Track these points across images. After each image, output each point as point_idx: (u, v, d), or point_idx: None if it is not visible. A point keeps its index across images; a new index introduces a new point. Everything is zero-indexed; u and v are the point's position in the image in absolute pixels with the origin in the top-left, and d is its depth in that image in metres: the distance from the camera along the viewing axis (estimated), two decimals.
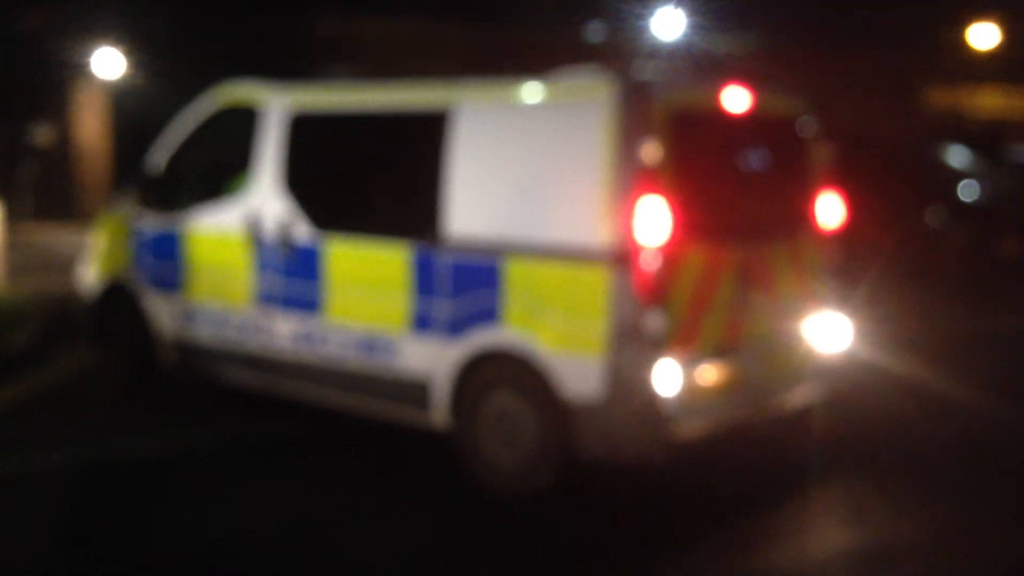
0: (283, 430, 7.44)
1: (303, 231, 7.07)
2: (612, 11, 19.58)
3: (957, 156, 16.31)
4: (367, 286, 6.78)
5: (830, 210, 6.91)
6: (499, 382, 6.25)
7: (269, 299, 7.26)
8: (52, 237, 17.54)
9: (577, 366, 5.86)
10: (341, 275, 6.92)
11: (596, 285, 5.78)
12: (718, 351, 6.06)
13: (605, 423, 5.82)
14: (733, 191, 6.36)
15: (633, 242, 5.69)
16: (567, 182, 5.95)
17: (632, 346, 5.71)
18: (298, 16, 20.15)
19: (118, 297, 8.25)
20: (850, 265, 7.20)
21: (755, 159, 6.60)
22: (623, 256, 5.70)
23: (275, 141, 7.28)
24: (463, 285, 6.32)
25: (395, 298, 6.60)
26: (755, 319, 6.30)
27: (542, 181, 6.05)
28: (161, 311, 7.91)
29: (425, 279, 6.47)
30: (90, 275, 8.55)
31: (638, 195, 5.67)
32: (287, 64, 18.65)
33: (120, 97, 19.99)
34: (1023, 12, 18.33)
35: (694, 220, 5.82)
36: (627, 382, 5.74)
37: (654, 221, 5.68)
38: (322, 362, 7.01)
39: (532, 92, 6.18)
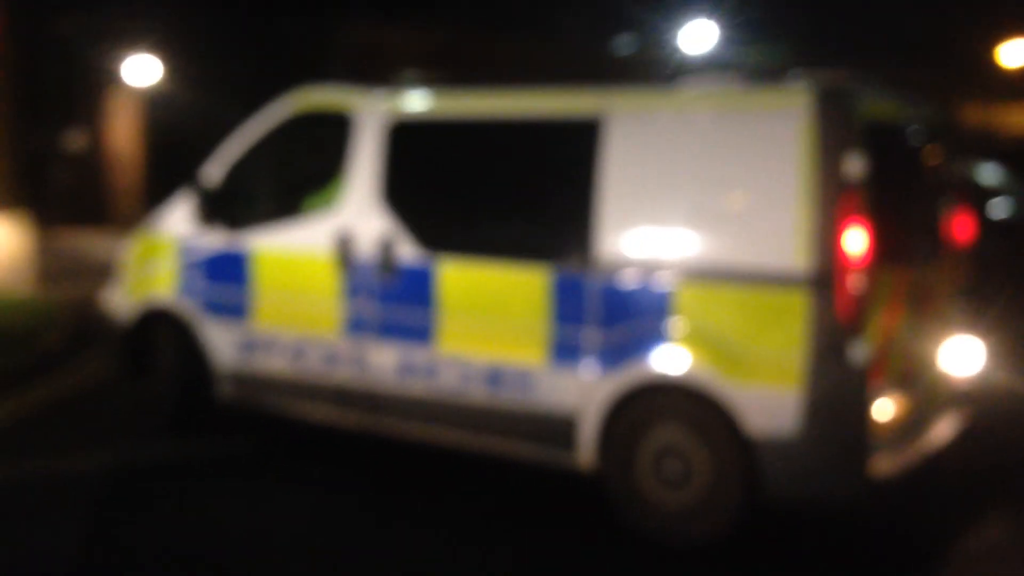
0: (383, 472, 6.82)
1: (408, 252, 6.42)
2: (642, 24, 19.62)
3: (989, 173, 16.19)
4: (492, 313, 6.17)
5: (962, 227, 6.51)
6: (664, 417, 5.71)
7: (361, 327, 6.61)
8: (84, 242, 17.65)
9: (766, 398, 5.38)
10: (458, 300, 6.28)
11: (792, 311, 5.31)
12: (899, 380, 5.67)
13: (800, 459, 5.35)
14: (902, 208, 5.92)
15: (837, 264, 5.23)
16: (753, 198, 5.47)
17: (834, 376, 5.27)
18: (324, 23, 20.27)
19: (160, 324, 7.49)
20: (982, 285, 6.84)
21: (912, 173, 6.22)
22: (826, 279, 5.24)
23: (372, 151, 6.63)
24: (620, 312, 5.76)
25: (529, 326, 6.02)
26: (919, 345, 5.97)
27: (721, 197, 5.55)
28: (219, 340, 7.17)
29: (569, 306, 5.90)
30: (122, 300, 7.74)
31: (843, 212, 5.22)
32: (315, 70, 18.81)
33: (153, 104, 20.14)
34: None
35: (881, 240, 5.39)
36: (829, 415, 5.29)
37: (858, 241, 5.24)
38: (433, 396, 6.39)
39: (706, 100, 5.71)
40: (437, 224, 6.53)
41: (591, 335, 5.84)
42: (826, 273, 5.25)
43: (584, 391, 5.84)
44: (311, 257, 6.81)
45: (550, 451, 6.03)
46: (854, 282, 5.23)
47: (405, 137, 6.57)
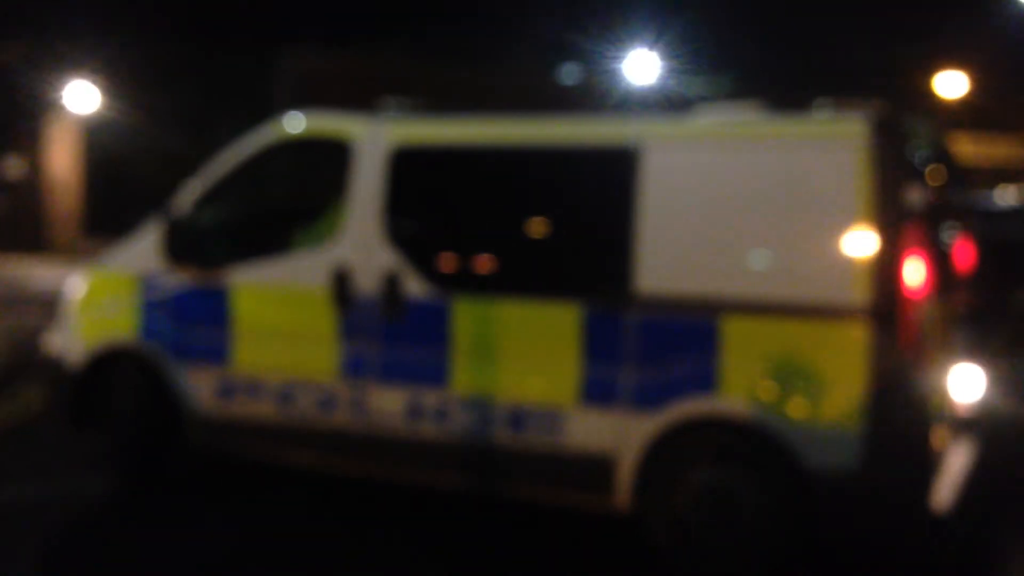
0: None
1: (417, 288, 6.03)
2: (586, 54, 19.79)
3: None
4: (515, 352, 5.85)
5: (962, 253, 6.45)
6: (711, 456, 5.51)
7: (361, 369, 6.19)
8: (22, 270, 17.35)
9: (824, 434, 5.21)
10: (475, 339, 5.97)
11: (851, 344, 5.15)
12: (941, 412, 5.59)
13: (862, 494, 5.19)
14: (934, 236, 5.82)
15: (900, 295, 5.14)
16: (805, 229, 5.32)
17: (897, 408, 5.16)
18: (267, 50, 20.21)
19: (119, 369, 6.86)
20: (979, 313, 6.78)
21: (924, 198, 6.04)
22: (887, 310, 5.12)
23: (375, 181, 6.20)
24: (660, 349, 5.53)
25: (559, 365, 5.72)
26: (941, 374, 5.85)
27: (769, 228, 5.40)
28: (193, 384, 6.60)
29: (603, 343, 5.63)
30: (71, 342, 6.99)
31: (904, 243, 5.15)
32: (258, 98, 18.69)
33: (93, 131, 19.94)
34: (989, 62, 18.68)
35: (931, 270, 5.35)
36: (892, 447, 5.17)
37: (919, 271, 5.19)
38: (446, 440, 6.02)
39: (753, 129, 5.58)
40: (450, 259, 6.14)
41: (629, 373, 5.57)
42: (888, 304, 5.12)
43: (621, 431, 5.59)
44: (302, 295, 6.37)
45: (582, 494, 5.78)
46: (916, 313, 5.17)
47: (413, 166, 6.19)
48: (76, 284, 7.25)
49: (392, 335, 6.09)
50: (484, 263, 6.07)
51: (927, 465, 5.20)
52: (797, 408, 5.26)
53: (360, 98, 17.28)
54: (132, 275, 6.80)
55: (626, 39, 19.51)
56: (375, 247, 6.13)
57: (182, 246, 6.61)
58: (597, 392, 5.65)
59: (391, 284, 6.05)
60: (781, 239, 5.36)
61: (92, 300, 7.02)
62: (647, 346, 5.55)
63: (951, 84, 19.21)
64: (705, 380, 5.42)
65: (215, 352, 6.55)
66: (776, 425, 5.28)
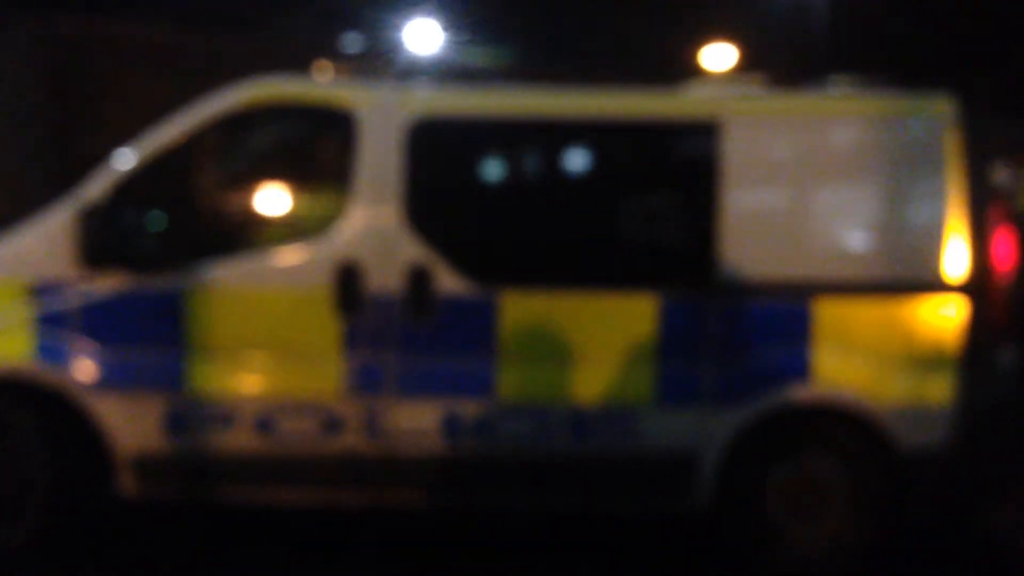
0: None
1: (451, 285, 5.32)
2: (367, 22, 19.55)
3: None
4: (576, 352, 5.35)
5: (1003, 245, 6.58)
6: (800, 446, 5.42)
7: (375, 383, 5.38)
8: None
9: (916, 413, 5.24)
10: (526, 340, 5.36)
11: (945, 321, 5.21)
12: None
13: (954, 474, 5.26)
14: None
15: (990, 271, 5.24)
16: (895, 208, 5.33)
17: (990, 383, 5.26)
18: (10, 11, 19.13)
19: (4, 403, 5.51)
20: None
21: None
22: (979, 287, 5.21)
23: (392, 159, 5.37)
24: (746, 338, 5.33)
25: (631, 363, 5.34)
26: None
27: (858, 208, 5.39)
28: (122, 417, 5.40)
29: (681, 336, 5.33)
30: None
31: (994, 219, 5.25)
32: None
33: None
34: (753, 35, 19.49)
35: (1018, 246, 5.49)
36: (985, 426, 5.26)
37: (1008, 246, 5.28)
38: (491, 456, 5.43)
39: (836, 107, 5.51)
40: (494, 249, 5.53)
41: (712, 365, 5.33)
42: (980, 280, 5.20)
43: (704, 428, 5.34)
44: (292, 298, 5.39)
45: (655, 499, 5.47)
46: (1006, 288, 5.26)
47: (442, 142, 5.49)
48: None
49: (417, 341, 5.37)
50: (537, 253, 5.53)
51: (1018, 440, 5.28)
52: (890, 389, 5.26)
53: (121, 71, 20.74)
54: (18, 283, 5.46)
55: (407, 8, 19.72)
56: (395, 238, 5.35)
57: (102, 244, 5.30)
58: (676, 389, 5.34)
59: (418, 280, 5.32)
60: (870, 218, 5.38)
61: None
62: (732, 336, 5.31)
63: (719, 58, 19.41)
64: (797, 367, 5.29)
65: (160, 375, 5.42)
66: (870, 408, 5.28)
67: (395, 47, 19.45)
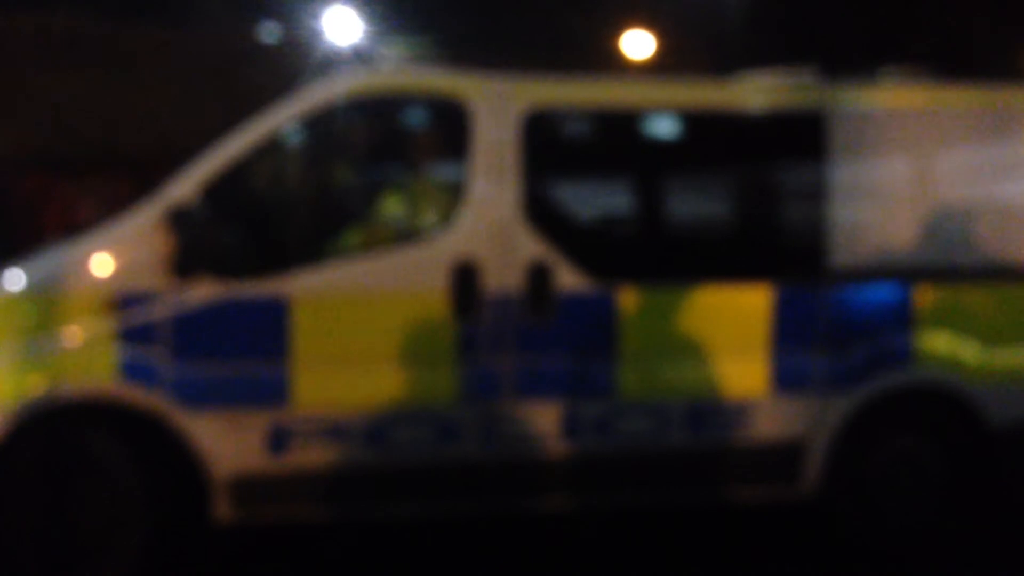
0: None
1: (571, 281, 5.22)
2: (284, 12, 19.26)
3: None
4: (694, 345, 5.38)
5: None
6: (902, 428, 5.68)
7: (492, 386, 5.23)
8: None
9: (1008, 389, 5.62)
10: (645, 336, 5.32)
11: None
12: None
13: None
14: None
15: None
16: (996, 197, 5.63)
17: None
18: None
19: (76, 428, 5.03)
20: None
21: None
22: None
23: (509, 153, 5.21)
24: (854, 325, 5.51)
25: (746, 353, 5.41)
26: None
27: (959, 197, 5.63)
28: (222, 437, 5.03)
29: (796, 325, 5.44)
30: None
31: None
32: None
33: None
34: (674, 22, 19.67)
35: None
36: None
37: None
38: (610, 453, 5.35)
39: (942, 97, 5.72)
40: (611, 243, 5.58)
41: (822, 352, 5.49)
42: None
43: (814, 414, 5.49)
44: (405, 302, 5.15)
45: (764, 487, 5.55)
46: None
47: (557, 134, 5.49)
48: None
49: (536, 340, 5.26)
50: (654, 247, 5.59)
51: None
52: (984, 368, 5.60)
53: (17, 62, 20.16)
54: (98, 296, 4.99)
55: None
56: (513, 234, 5.21)
57: (192, 249, 4.91)
58: (789, 377, 5.45)
59: (538, 278, 5.20)
60: (968, 206, 5.64)
61: (11, 334, 5.06)
62: (841, 324, 5.49)
63: (638, 46, 19.52)
64: (901, 352, 5.55)
65: (261, 390, 5.09)
66: (966, 388, 5.59)
67: (313, 37, 19.23)
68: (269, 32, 19.66)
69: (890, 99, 5.61)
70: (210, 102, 18.29)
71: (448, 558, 5.80)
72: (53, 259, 5.19)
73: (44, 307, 4.99)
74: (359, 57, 18.50)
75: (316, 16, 19.25)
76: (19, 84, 17.34)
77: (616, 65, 20.35)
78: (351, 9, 19.42)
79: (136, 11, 18.80)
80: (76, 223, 16.05)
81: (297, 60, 18.64)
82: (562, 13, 20.39)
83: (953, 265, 5.58)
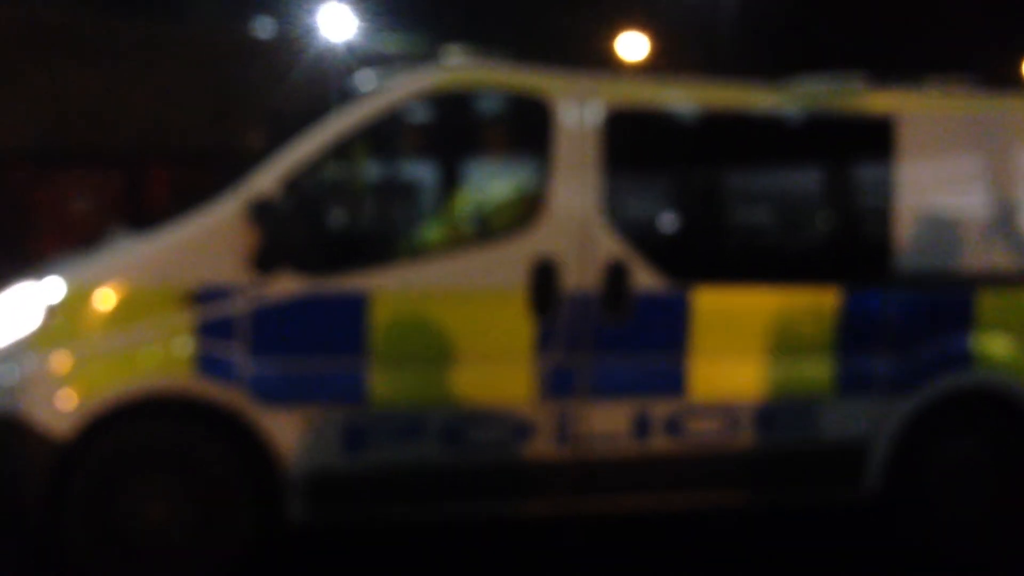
0: None
1: (647, 281, 5.18)
2: (279, 8, 19.27)
3: None
4: (763, 346, 5.36)
5: None
6: (961, 431, 5.68)
7: (567, 386, 5.15)
8: None
9: None
10: (717, 336, 5.30)
11: None
12: None
13: None
14: None
15: None
16: None
17: None
18: None
19: (148, 427, 4.90)
20: None
21: None
22: None
23: (590, 152, 5.18)
24: (917, 328, 5.53)
25: (815, 354, 5.43)
26: None
27: (1019, 203, 5.69)
28: (297, 435, 4.92)
29: (862, 327, 5.47)
30: (38, 395, 4.71)
31: None
32: None
33: None
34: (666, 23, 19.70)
35: None
36: None
37: None
38: (680, 454, 5.30)
39: (1003, 105, 5.83)
40: (686, 243, 5.57)
41: (886, 354, 5.50)
42: None
43: (877, 415, 5.49)
44: (485, 299, 5.10)
45: (828, 487, 5.57)
46: None
47: (635, 134, 5.35)
48: (31, 305, 4.88)
49: (611, 339, 5.20)
50: (728, 249, 5.66)
51: None
52: None
53: (11, 55, 19.99)
54: (176, 289, 4.86)
55: None
56: (593, 233, 5.16)
57: (274, 243, 4.82)
58: (854, 378, 5.47)
59: (615, 277, 5.15)
60: None
61: (85, 328, 4.85)
62: (905, 326, 5.51)
63: (632, 48, 19.54)
64: (962, 355, 5.58)
65: (340, 387, 5.01)
66: (1020, 390, 5.61)
67: (307, 32, 19.23)
68: (263, 27, 19.68)
69: (958, 106, 5.74)
70: (203, 96, 18.26)
71: (451, 559, 5.69)
72: (129, 250, 5.06)
73: (121, 300, 4.84)
74: (353, 54, 18.47)
75: (310, 12, 19.24)
76: (11, 77, 17.28)
77: (610, 66, 20.41)
78: (345, 5, 19.41)
79: (129, 5, 18.77)
80: (67, 215, 16.03)
81: (291, 56, 18.67)
82: (555, 12, 20.45)
83: (1014, 269, 5.66)
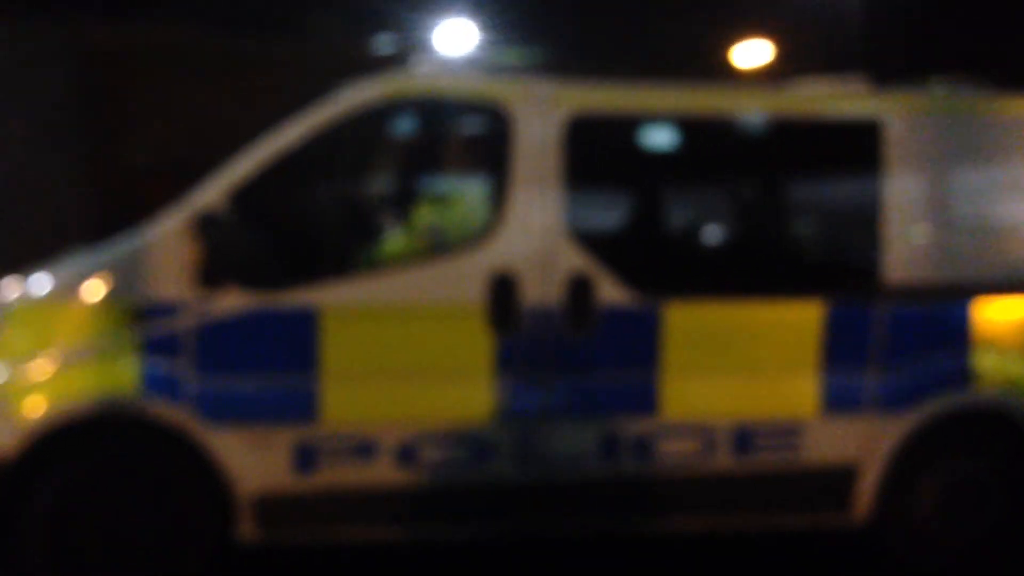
0: None
1: (613, 295, 5.07)
2: (397, 23, 19.49)
3: None
4: (741, 363, 5.25)
5: None
6: (959, 451, 5.51)
7: (528, 405, 5.09)
8: None
9: None
10: (690, 353, 5.17)
11: None
12: None
13: None
14: None
15: None
16: None
17: None
18: (40, 23, 19.10)
19: (89, 449, 4.91)
20: None
21: None
22: None
23: (550, 161, 5.05)
24: (909, 344, 5.33)
25: (796, 372, 5.26)
26: None
27: (1017, 211, 5.48)
28: (247, 454, 4.93)
29: (848, 343, 5.27)
30: None
31: None
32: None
33: None
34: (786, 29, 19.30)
35: None
36: None
37: None
38: (650, 477, 5.20)
39: (999, 107, 5.53)
40: (655, 256, 5.45)
41: (875, 372, 5.31)
42: None
43: (867, 437, 5.32)
44: (440, 315, 5.02)
45: (814, 514, 5.40)
46: None
47: (599, 142, 5.25)
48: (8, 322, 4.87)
49: (576, 356, 5.12)
50: (698, 259, 5.51)
51: None
52: None
53: (155, 78, 20.62)
54: (121, 305, 4.87)
55: (438, 8, 19.68)
56: (555, 245, 5.06)
57: (220, 258, 4.82)
58: (841, 398, 5.29)
59: (579, 291, 5.06)
60: None
61: (29, 344, 4.91)
62: (895, 342, 5.28)
63: (752, 56, 19.14)
64: (960, 372, 5.36)
65: (289, 405, 4.99)
66: (1020, 408, 5.41)
67: (426, 48, 19.41)
68: (383, 44, 19.93)
69: (949, 109, 5.41)
70: None
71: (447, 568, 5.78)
72: (74, 266, 5.06)
73: (64, 316, 4.84)
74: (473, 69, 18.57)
75: (430, 28, 19.44)
76: (147, 96, 17.90)
77: (726, 74, 20.06)
78: (465, 20, 19.56)
79: (253, 24, 19.25)
80: None
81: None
82: (673, 21, 20.19)
83: (1013, 282, 5.38)
